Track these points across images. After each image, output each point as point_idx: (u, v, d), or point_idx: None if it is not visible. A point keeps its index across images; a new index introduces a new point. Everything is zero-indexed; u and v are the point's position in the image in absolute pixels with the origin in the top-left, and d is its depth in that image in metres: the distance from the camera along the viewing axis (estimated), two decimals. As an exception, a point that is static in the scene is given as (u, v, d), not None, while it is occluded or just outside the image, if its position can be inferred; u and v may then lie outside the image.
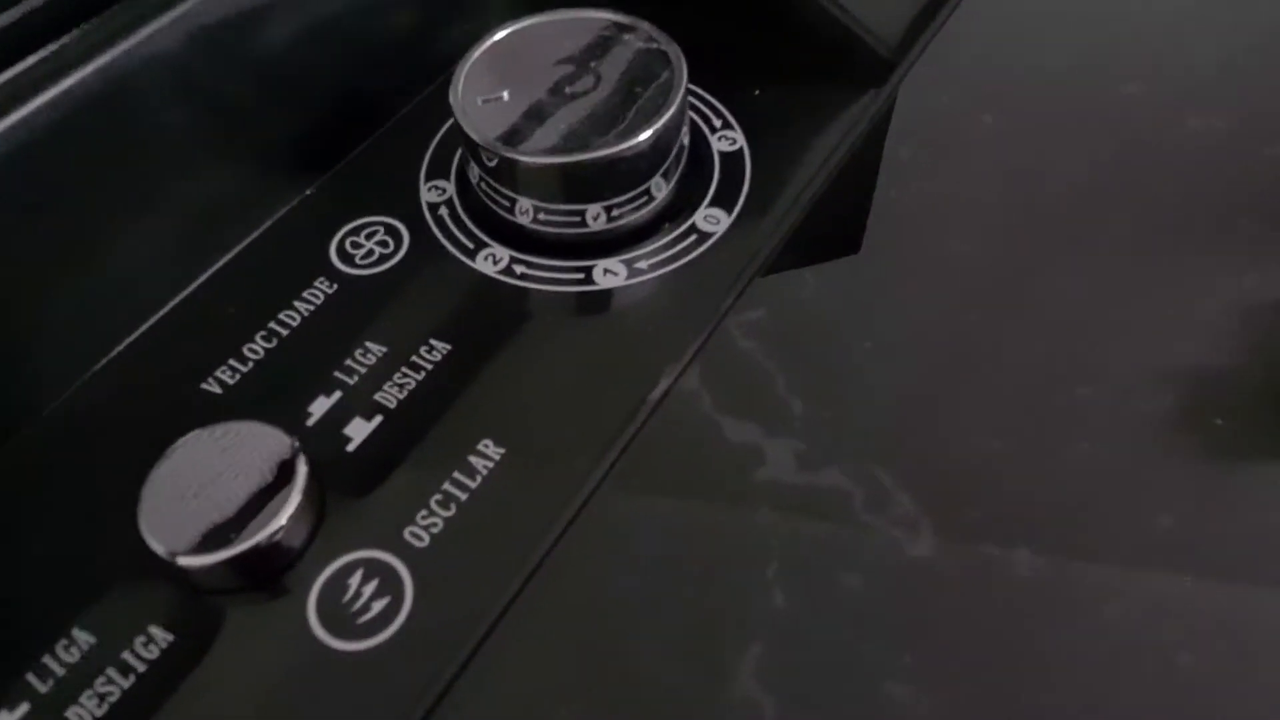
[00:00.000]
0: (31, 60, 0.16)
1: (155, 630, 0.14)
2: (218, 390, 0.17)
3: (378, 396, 0.17)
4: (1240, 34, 0.24)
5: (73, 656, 0.14)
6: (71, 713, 0.13)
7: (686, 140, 0.20)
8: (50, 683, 0.14)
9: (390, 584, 0.15)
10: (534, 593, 0.14)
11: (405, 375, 0.17)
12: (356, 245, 0.19)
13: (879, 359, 0.16)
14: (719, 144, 0.21)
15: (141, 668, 0.14)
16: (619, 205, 0.19)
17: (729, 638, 0.12)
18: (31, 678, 0.14)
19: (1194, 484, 0.16)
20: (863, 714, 0.12)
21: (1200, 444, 0.17)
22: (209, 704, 0.14)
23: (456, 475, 0.16)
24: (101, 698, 0.14)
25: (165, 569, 0.14)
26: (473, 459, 0.16)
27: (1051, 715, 0.12)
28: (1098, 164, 0.22)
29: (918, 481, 0.14)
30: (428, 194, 0.20)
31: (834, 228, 0.20)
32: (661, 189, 0.19)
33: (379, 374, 0.17)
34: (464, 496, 0.16)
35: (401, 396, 0.17)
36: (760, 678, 0.12)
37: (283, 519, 0.15)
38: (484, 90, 0.19)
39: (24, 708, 0.13)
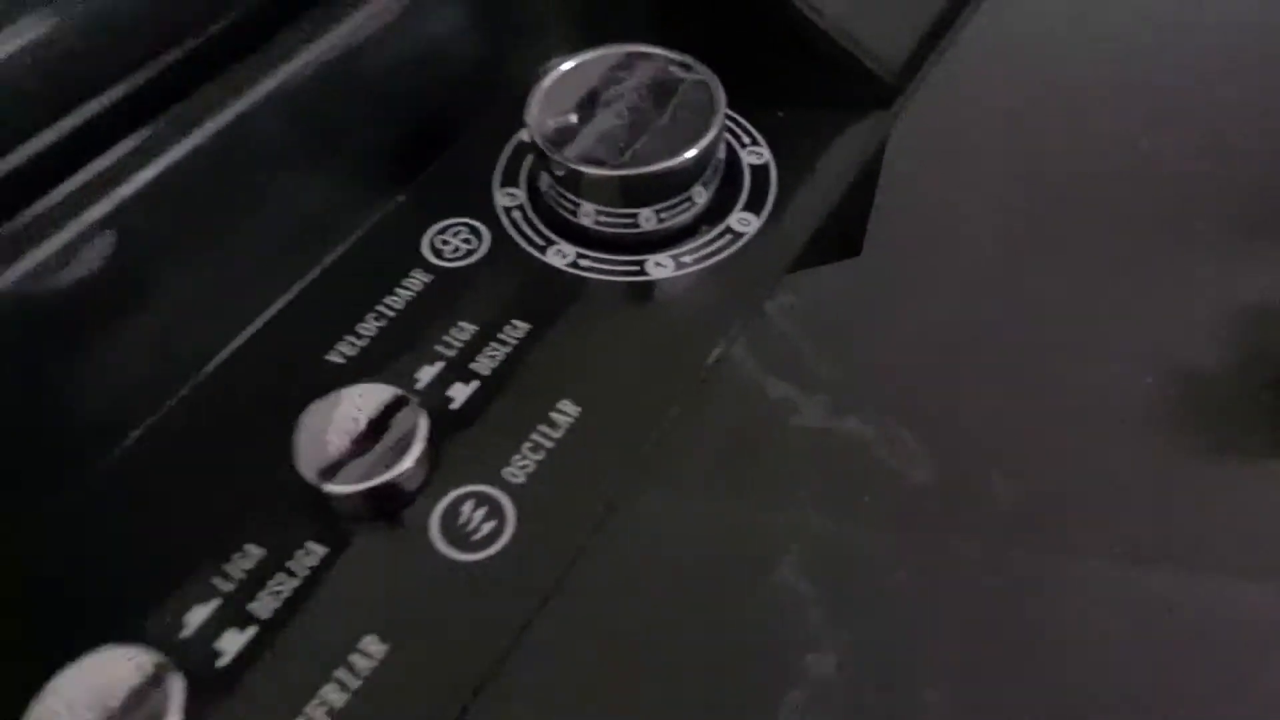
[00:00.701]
0: (175, 110, 0.20)
1: (312, 545, 0.18)
2: (341, 360, 0.21)
3: (473, 365, 0.20)
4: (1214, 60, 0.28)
5: (249, 564, 0.18)
6: (252, 607, 0.17)
7: (722, 155, 0.23)
8: (232, 584, 0.17)
9: (495, 511, 0.18)
10: (613, 516, 0.18)
11: (494, 348, 0.21)
12: (445, 242, 0.23)
13: (887, 334, 0.20)
14: (749, 158, 0.24)
15: (304, 573, 0.17)
16: (666, 209, 0.22)
17: (772, 540, 0.16)
18: (217, 580, 0.17)
19: (1158, 441, 0.20)
20: (873, 594, 0.15)
21: (1166, 410, 0.20)
22: (358, 601, 0.17)
23: (542, 428, 0.19)
24: (275, 594, 0.17)
25: (316, 497, 0.18)
26: (554, 415, 0.20)
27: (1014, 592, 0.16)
28: (1081, 175, 0.25)
29: (921, 425, 0.17)
30: (502, 199, 0.24)
31: (847, 229, 0.23)
32: (702, 196, 0.23)
33: (472, 347, 0.21)
34: (550, 444, 0.19)
35: (494, 365, 0.20)
36: (796, 569, 0.15)
37: (409, 460, 0.18)
38: (554, 113, 0.23)
39: (216, 602, 0.17)
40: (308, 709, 0.16)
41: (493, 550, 0.18)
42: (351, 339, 0.21)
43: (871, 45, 0.25)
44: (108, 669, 0.16)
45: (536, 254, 0.23)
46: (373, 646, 0.17)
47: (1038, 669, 0.17)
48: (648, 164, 0.22)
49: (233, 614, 0.17)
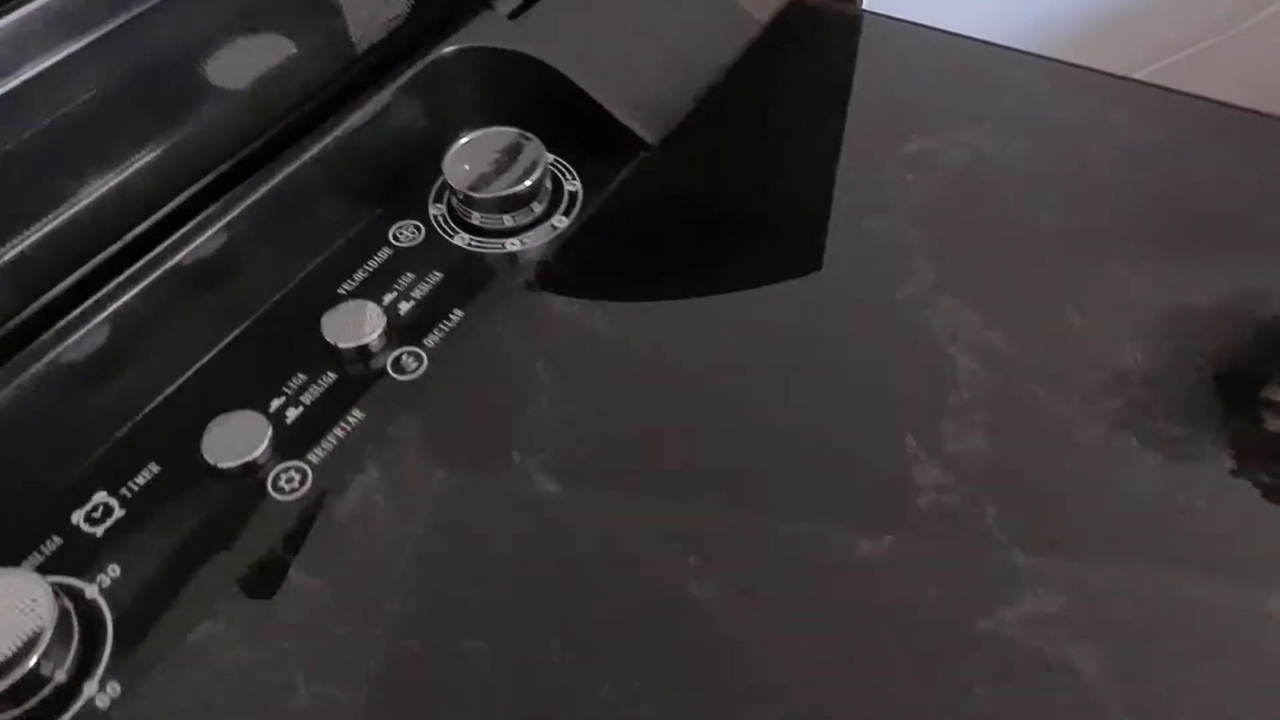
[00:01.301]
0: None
1: (330, 374, 0.37)
2: (348, 289, 0.40)
3: (412, 292, 0.40)
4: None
5: (301, 382, 0.37)
6: (292, 417, 0.37)
7: (549, 184, 0.43)
8: (282, 398, 0.37)
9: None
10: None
11: (423, 286, 0.40)
12: (401, 233, 0.43)
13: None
14: (569, 186, 0.44)
15: (330, 381, 0.37)
16: (518, 215, 0.42)
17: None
18: (276, 401, 0.37)
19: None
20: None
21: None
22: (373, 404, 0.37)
23: (444, 321, 0.39)
24: (305, 393, 0.37)
25: (335, 354, 0.37)
26: (452, 315, 0.39)
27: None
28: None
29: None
30: (433, 210, 0.44)
31: (629, 221, 0.43)
32: (539, 208, 0.43)
33: (413, 284, 0.40)
34: (449, 326, 0.39)
35: (424, 293, 0.40)
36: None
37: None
38: (457, 164, 0.43)
39: (272, 410, 0.37)
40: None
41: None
42: (364, 269, 0.41)
43: (639, 122, 0.45)
44: (246, 424, 0.35)
45: (449, 239, 0.42)
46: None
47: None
48: (506, 190, 0.41)
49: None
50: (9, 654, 0.29)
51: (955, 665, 0.27)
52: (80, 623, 0.31)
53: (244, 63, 0.41)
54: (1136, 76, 0.45)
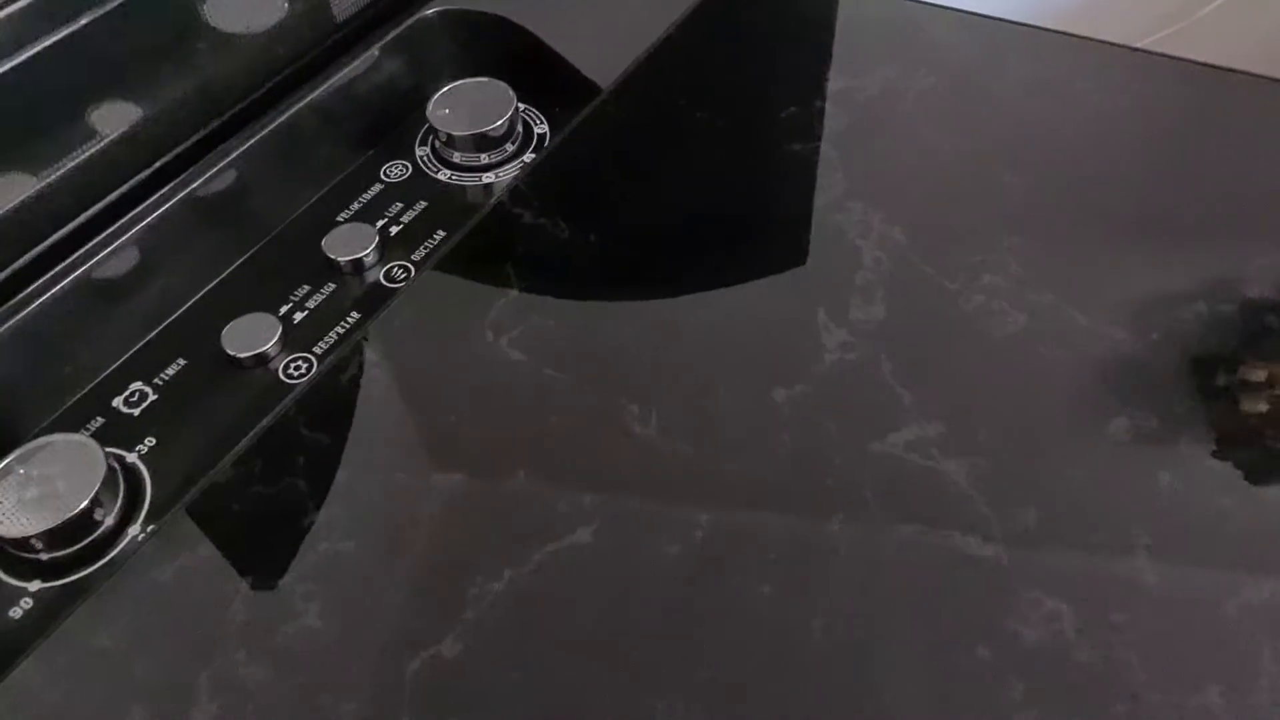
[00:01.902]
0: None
1: (330, 284, 0.43)
2: (345, 217, 0.46)
3: (402, 218, 0.46)
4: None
5: (305, 292, 0.43)
6: (299, 319, 0.42)
7: (520, 127, 0.49)
8: (289, 304, 0.43)
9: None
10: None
11: (412, 210, 0.46)
12: (390, 170, 0.49)
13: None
14: (538, 128, 0.50)
15: (330, 290, 0.43)
16: (493, 153, 0.48)
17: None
18: (284, 306, 0.43)
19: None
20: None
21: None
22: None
23: (425, 242, 0.45)
24: (310, 299, 0.42)
25: (335, 268, 0.43)
26: (435, 235, 0.45)
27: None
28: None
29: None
30: (419, 151, 0.50)
31: (587, 154, 0.49)
32: (512, 146, 0.48)
33: (402, 210, 0.46)
34: (434, 244, 0.45)
35: (414, 216, 0.46)
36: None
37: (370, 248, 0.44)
38: (439, 109, 0.48)
39: (282, 317, 0.42)
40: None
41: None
42: (359, 201, 0.47)
43: (594, 71, 0.51)
44: (259, 323, 0.41)
45: (432, 175, 0.48)
46: (357, 315, 0.42)
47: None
48: (483, 128, 0.47)
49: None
50: (69, 501, 0.35)
51: (853, 478, 0.33)
52: (124, 479, 0.37)
53: (248, 15, 0.47)
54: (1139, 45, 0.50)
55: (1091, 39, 0.50)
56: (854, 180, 0.43)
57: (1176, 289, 0.38)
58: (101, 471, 0.35)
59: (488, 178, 0.48)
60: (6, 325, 0.39)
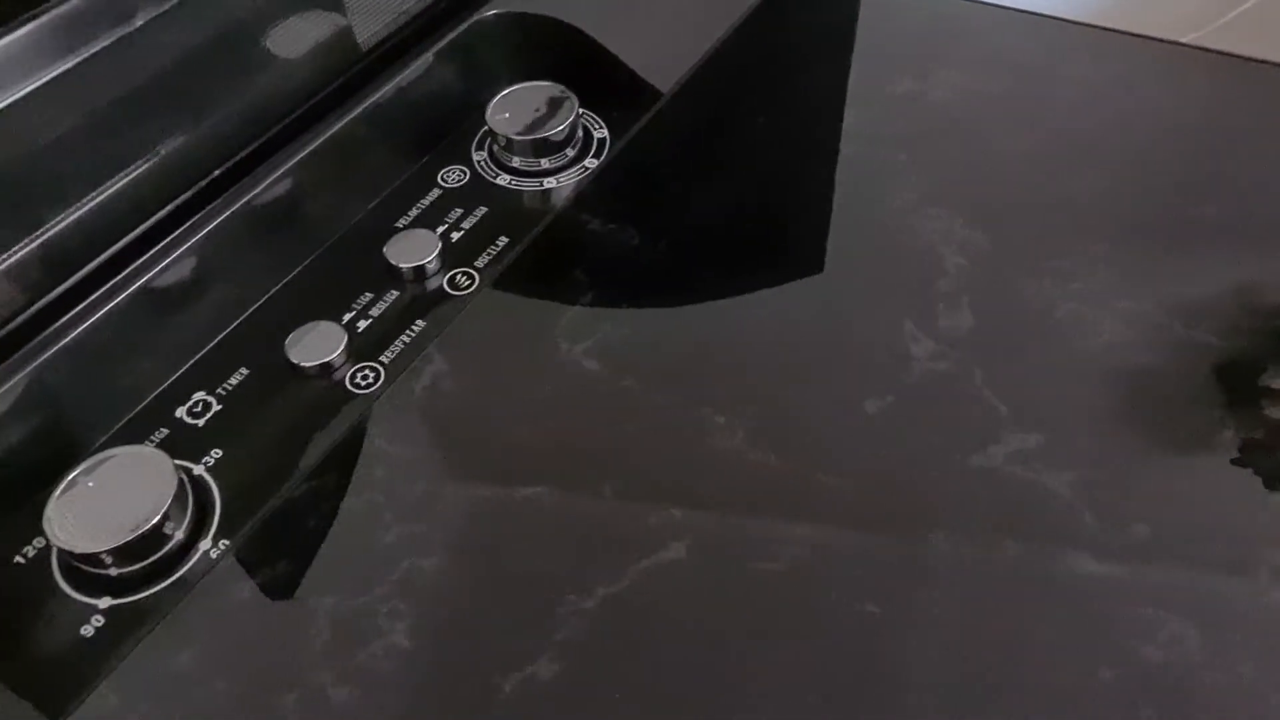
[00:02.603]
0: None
1: (393, 291, 0.42)
2: (404, 223, 0.45)
3: (463, 224, 0.45)
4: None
5: (369, 299, 0.42)
6: (363, 327, 0.41)
7: (580, 131, 0.48)
8: (352, 312, 0.42)
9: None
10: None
11: (471, 217, 0.45)
12: (448, 175, 0.48)
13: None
14: (597, 133, 0.49)
15: (393, 298, 0.42)
16: (553, 158, 0.47)
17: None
18: (347, 315, 0.42)
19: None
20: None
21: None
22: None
23: (495, 243, 0.44)
24: (373, 307, 0.42)
25: (397, 275, 0.42)
26: (499, 241, 0.44)
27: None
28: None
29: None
30: (475, 156, 0.49)
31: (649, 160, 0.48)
32: (571, 152, 0.48)
33: (462, 215, 0.45)
34: (496, 250, 0.44)
35: (474, 223, 0.45)
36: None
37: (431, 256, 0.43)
38: (499, 113, 0.48)
39: (348, 318, 0.41)
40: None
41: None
42: (417, 207, 0.46)
43: (654, 75, 0.50)
44: (324, 331, 0.40)
45: (490, 180, 0.47)
46: (422, 324, 0.41)
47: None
48: (543, 133, 0.47)
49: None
50: (139, 515, 0.34)
51: (954, 491, 0.32)
52: (193, 492, 0.36)
53: (300, 29, 0.46)
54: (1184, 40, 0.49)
55: (1141, 35, 0.49)
56: (928, 184, 0.42)
57: (1271, 294, 0.37)
58: (173, 484, 0.34)
59: (548, 183, 0.47)
60: (68, 338, 0.38)
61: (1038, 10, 0.50)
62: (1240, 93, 0.46)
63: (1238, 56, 0.47)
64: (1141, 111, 0.45)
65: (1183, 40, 0.51)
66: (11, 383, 0.37)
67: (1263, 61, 0.46)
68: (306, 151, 0.45)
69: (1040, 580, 0.30)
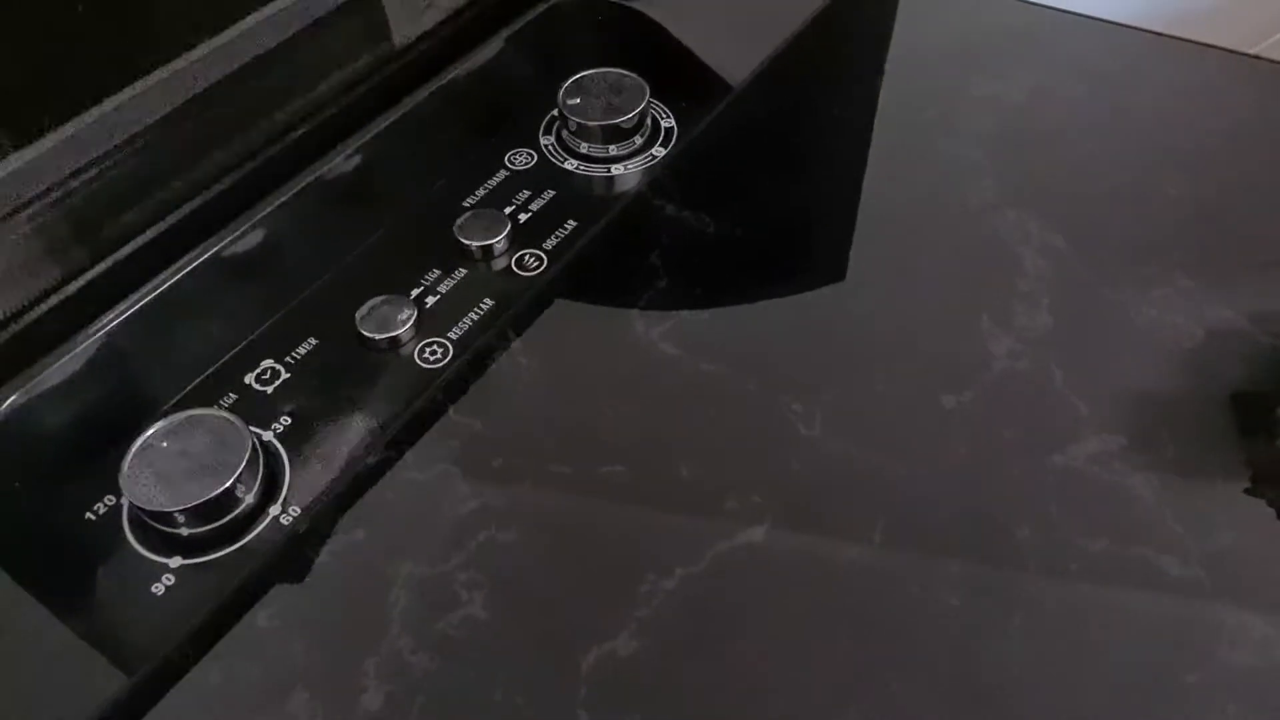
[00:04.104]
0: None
1: (461, 269, 0.42)
2: (472, 203, 0.45)
3: (531, 205, 0.45)
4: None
5: (436, 276, 0.42)
6: (431, 303, 0.41)
7: (649, 120, 0.48)
8: (420, 288, 0.42)
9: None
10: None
11: (539, 200, 0.45)
12: (515, 157, 0.48)
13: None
14: (665, 122, 0.49)
15: (462, 275, 0.42)
16: (621, 145, 0.47)
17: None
18: (415, 290, 0.42)
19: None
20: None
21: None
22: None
23: (560, 228, 0.44)
24: (441, 284, 0.42)
25: (466, 253, 0.42)
26: (567, 224, 0.44)
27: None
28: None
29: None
30: (543, 140, 0.49)
31: (718, 151, 0.48)
32: (640, 139, 0.48)
33: (530, 198, 0.45)
34: (563, 235, 0.44)
35: (541, 205, 0.45)
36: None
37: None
38: (570, 98, 0.48)
39: (417, 294, 0.41)
40: (467, 320, 0.40)
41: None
42: (485, 188, 0.46)
43: (725, 68, 0.50)
44: (393, 305, 0.40)
45: (559, 164, 0.47)
46: (491, 302, 0.41)
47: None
48: (612, 121, 0.47)
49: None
50: (214, 477, 0.34)
51: (1035, 489, 0.32)
52: (263, 458, 0.36)
53: (379, 6, 0.46)
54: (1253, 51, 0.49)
55: (1210, 45, 0.49)
56: (1006, 185, 0.41)
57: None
58: (247, 448, 0.34)
59: (615, 169, 0.47)
60: (140, 301, 0.38)
61: (1112, 18, 0.50)
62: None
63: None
64: (1214, 120, 0.45)
65: (1251, 51, 0.51)
66: (86, 344, 0.37)
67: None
68: (380, 128, 0.45)
69: (1124, 580, 0.30)
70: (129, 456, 0.34)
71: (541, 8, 0.49)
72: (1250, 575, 0.29)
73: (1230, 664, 0.28)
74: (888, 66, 0.49)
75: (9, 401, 0.35)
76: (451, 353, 0.39)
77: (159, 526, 0.34)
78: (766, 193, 0.43)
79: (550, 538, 0.32)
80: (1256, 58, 0.49)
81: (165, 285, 0.39)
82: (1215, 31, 0.52)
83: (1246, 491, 0.32)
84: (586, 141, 0.47)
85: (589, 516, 0.32)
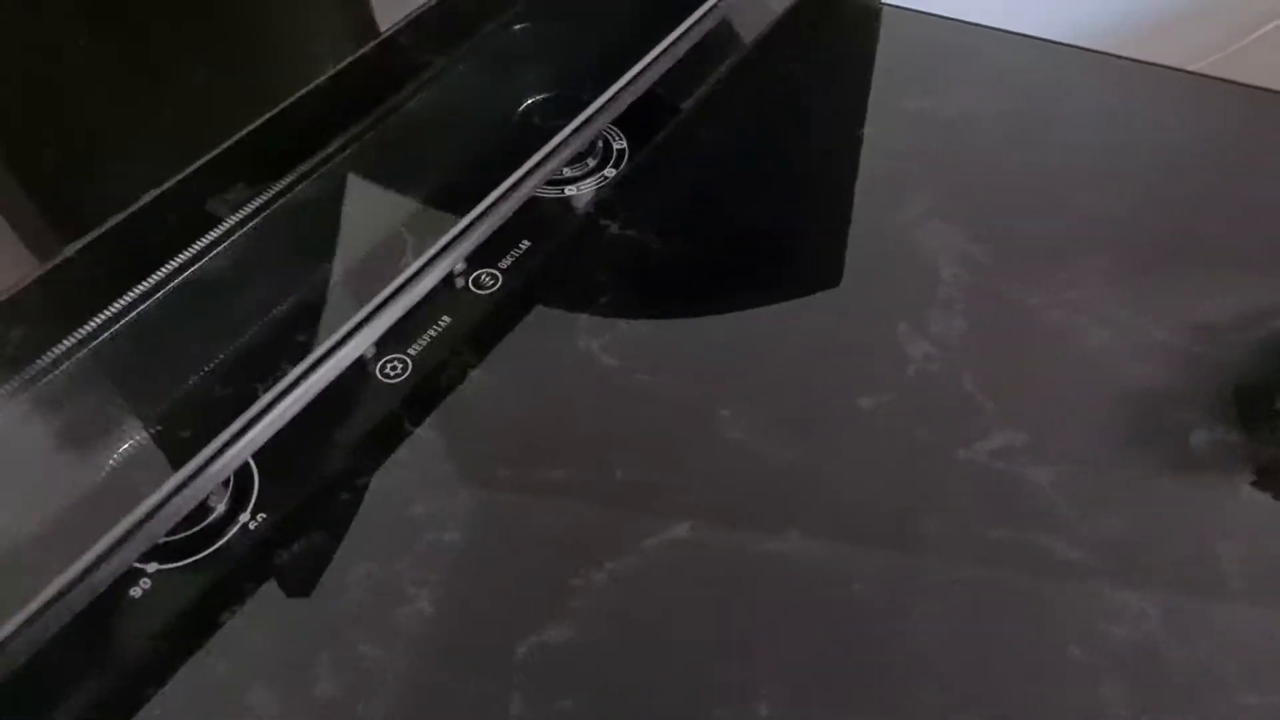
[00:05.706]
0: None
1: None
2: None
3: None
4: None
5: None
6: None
7: (600, 143, 0.51)
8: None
9: (497, 275, 0.45)
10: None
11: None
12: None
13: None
14: (616, 144, 0.52)
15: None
16: (575, 167, 0.50)
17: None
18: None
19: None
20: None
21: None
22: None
23: (519, 245, 0.47)
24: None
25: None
26: (520, 246, 0.47)
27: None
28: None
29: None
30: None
31: (666, 169, 0.51)
32: (593, 160, 0.50)
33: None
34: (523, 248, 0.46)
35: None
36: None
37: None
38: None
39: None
40: (426, 336, 0.43)
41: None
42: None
43: (673, 91, 0.52)
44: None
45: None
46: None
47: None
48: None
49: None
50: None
51: (943, 482, 0.34)
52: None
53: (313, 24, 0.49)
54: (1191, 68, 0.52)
55: (1148, 63, 0.51)
56: (936, 198, 0.44)
57: (1251, 306, 0.39)
58: (215, 461, 0.37)
59: (569, 190, 0.50)
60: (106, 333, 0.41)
61: (1049, 37, 0.52)
62: (1245, 120, 0.49)
63: (1245, 85, 0.49)
64: (1147, 135, 0.47)
65: (1190, 68, 0.53)
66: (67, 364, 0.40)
67: (1269, 90, 0.48)
68: (335, 155, 0.48)
69: (1020, 563, 0.32)
70: (108, 470, 0.37)
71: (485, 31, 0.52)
72: (1131, 557, 0.32)
73: (1110, 637, 0.30)
74: (829, 86, 0.52)
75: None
76: (411, 368, 0.42)
77: (136, 535, 0.36)
78: (707, 211, 0.46)
79: (491, 537, 0.34)
80: (1194, 74, 0.52)
81: (145, 306, 0.41)
82: (1161, 50, 0.54)
83: (1135, 481, 0.34)
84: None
85: (528, 517, 0.35)
